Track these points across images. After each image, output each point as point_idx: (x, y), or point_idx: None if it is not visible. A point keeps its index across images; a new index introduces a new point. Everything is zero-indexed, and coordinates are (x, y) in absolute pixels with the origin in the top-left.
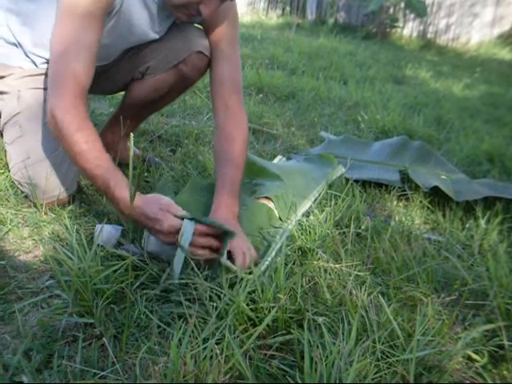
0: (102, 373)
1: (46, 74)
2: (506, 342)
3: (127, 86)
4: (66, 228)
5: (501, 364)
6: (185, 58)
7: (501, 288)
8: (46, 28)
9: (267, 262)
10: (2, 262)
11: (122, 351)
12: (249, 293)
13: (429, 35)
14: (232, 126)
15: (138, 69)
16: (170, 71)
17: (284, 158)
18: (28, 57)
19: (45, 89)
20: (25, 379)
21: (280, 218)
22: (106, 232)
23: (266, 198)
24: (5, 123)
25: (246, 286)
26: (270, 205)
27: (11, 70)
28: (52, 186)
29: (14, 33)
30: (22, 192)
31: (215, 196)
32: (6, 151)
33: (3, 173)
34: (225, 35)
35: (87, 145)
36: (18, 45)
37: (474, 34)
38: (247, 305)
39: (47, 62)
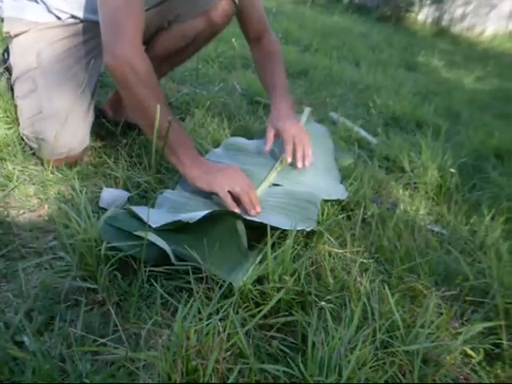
0: (103, 340)
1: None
2: (505, 342)
3: (150, 40)
4: (73, 189)
5: (496, 363)
6: (215, 4)
7: (501, 287)
8: None
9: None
10: (7, 219)
11: (124, 319)
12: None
13: (443, 23)
14: (266, 46)
15: (167, 18)
16: (199, 17)
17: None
18: (51, 12)
19: (69, 37)
20: (26, 339)
21: None
22: (112, 196)
23: None
24: (17, 77)
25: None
26: None
27: (32, 24)
28: (62, 142)
29: None
30: (31, 148)
31: (272, 95)
32: (16, 106)
33: (12, 127)
34: None
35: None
36: (39, 0)
37: (490, 25)
38: (254, 285)
39: (73, 17)
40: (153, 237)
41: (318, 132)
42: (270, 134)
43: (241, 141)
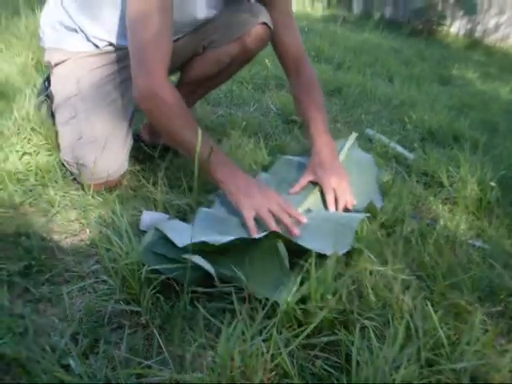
0: (147, 362)
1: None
2: None
3: (185, 65)
4: (113, 213)
5: None
6: (249, 29)
7: None
8: (108, 15)
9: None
10: (51, 244)
11: (167, 341)
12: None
13: (476, 34)
14: (306, 79)
15: (201, 43)
16: (234, 43)
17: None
18: (90, 41)
19: (106, 65)
20: (72, 362)
21: None
22: (152, 218)
23: None
24: (58, 105)
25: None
26: None
27: (71, 54)
28: (101, 167)
29: (73, 17)
30: (71, 174)
31: (314, 139)
32: (57, 132)
33: (52, 154)
34: (283, 8)
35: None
36: (78, 30)
37: None
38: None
39: (110, 45)
40: (198, 259)
41: (363, 160)
42: (304, 181)
43: (286, 166)
